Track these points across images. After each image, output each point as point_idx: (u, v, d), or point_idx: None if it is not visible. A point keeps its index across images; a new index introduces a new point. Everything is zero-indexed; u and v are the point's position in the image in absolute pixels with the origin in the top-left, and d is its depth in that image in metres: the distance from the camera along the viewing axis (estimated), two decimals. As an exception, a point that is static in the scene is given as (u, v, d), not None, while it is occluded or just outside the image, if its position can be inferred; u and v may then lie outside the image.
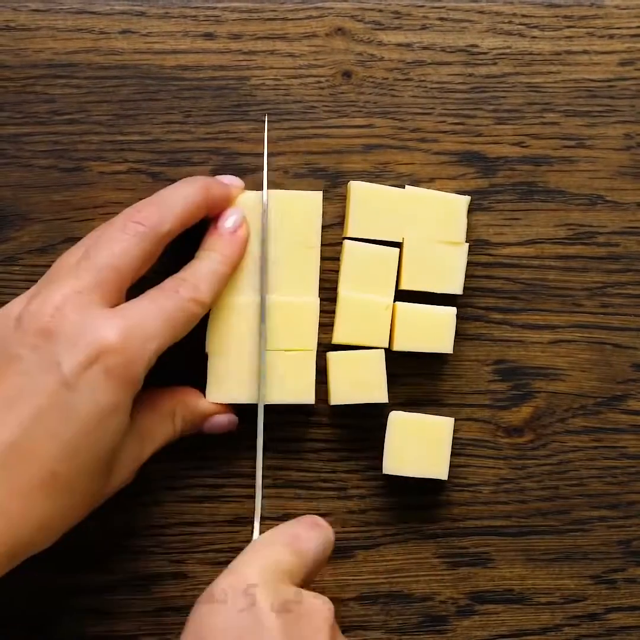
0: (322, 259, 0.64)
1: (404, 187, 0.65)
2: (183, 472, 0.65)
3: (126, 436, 0.57)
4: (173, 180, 0.63)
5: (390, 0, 0.66)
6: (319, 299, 0.64)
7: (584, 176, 0.67)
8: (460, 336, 0.66)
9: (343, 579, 0.66)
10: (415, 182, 0.66)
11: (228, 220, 0.62)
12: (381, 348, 0.64)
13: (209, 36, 0.66)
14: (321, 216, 0.64)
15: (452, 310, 0.64)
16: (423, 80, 0.66)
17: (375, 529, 0.66)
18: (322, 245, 0.64)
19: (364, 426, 0.66)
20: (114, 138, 0.65)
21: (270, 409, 0.64)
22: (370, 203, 0.64)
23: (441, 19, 0.66)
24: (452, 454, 0.65)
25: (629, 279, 0.67)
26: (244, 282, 0.63)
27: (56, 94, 0.65)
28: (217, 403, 0.63)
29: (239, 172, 0.65)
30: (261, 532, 0.60)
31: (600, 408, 0.66)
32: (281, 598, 0.52)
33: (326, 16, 0.66)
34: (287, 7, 0.66)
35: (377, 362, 0.63)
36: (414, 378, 0.66)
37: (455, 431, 0.65)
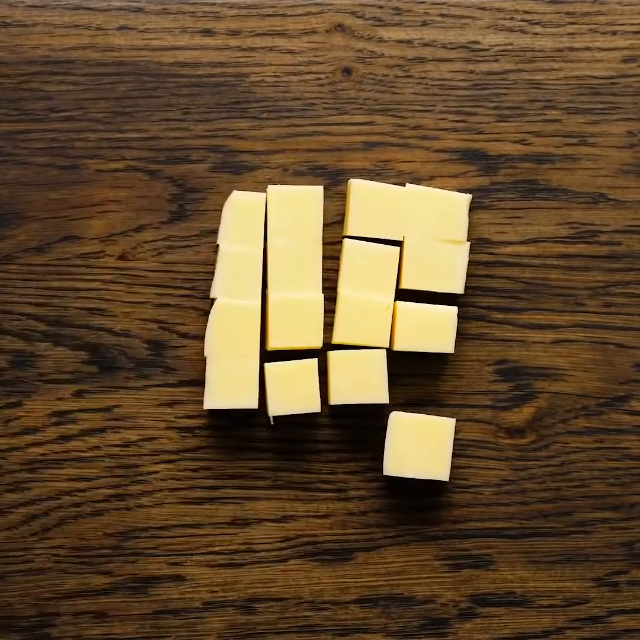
0: (322, 257, 0.64)
1: (404, 185, 0.64)
2: (182, 473, 0.65)
3: None
4: (171, 178, 0.63)
5: (390, -4, 0.66)
6: (322, 294, 0.63)
7: (586, 174, 0.66)
8: (461, 336, 0.65)
9: (343, 582, 0.65)
10: (416, 180, 0.65)
11: None
12: (382, 348, 0.63)
13: (207, 32, 0.65)
14: (322, 211, 0.63)
15: (453, 310, 0.64)
16: (424, 77, 0.66)
17: (375, 530, 0.66)
18: (322, 243, 0.64)
19: (364, 426, 0.65)
20: (111, 135, 0.65)
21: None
22: (370, 201, 0.64)
23: (442, 15, 0.66)
24: (453, 455, 0.65)
25: (631, 278, 0.66)
26: (245, 283, 0.63)
27: (53, 91, 0.65)
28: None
29: (238, 169, 0.65)
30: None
31: (603, 408, 0.66)
32: None
33: (326, 12, 0.66)
34: (286, 3, 0.66)
35: (378, 362, 0.63)
36: (415, 378, 0.66)
37: (456, 432, 0.65)
